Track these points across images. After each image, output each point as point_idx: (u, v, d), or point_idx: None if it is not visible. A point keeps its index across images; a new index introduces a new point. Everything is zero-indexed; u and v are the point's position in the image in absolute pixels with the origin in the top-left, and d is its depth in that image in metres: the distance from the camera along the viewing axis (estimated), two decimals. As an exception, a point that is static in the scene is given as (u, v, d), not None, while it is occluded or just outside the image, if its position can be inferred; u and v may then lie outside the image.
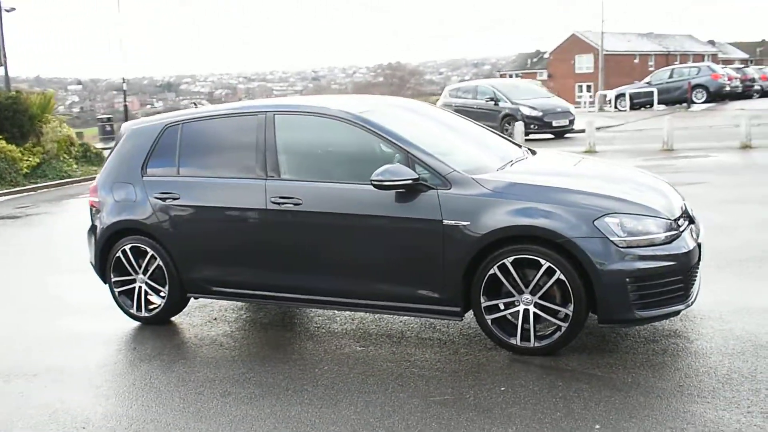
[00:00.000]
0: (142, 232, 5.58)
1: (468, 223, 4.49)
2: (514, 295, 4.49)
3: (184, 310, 5.82)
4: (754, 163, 12.57)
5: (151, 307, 5.68)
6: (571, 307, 4.35)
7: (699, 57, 78.64)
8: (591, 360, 4.40)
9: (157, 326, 5.63)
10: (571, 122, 20.24)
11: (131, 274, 5.68)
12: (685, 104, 27.54)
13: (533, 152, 5.74)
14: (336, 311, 5.61)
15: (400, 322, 5.35)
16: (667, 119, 15.36)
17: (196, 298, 5.77)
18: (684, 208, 4.89)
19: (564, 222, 4.33)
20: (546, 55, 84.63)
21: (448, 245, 4.55)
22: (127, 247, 5.63)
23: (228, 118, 5.52)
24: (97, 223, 5.83)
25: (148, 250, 5.54)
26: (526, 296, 4.45)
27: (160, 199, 5.46)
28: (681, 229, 4.53)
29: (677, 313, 4.43)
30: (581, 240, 4.27)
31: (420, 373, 4.37)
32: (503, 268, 4.46)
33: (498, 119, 19.64)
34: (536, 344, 4.48)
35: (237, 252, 5.24)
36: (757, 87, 31.67)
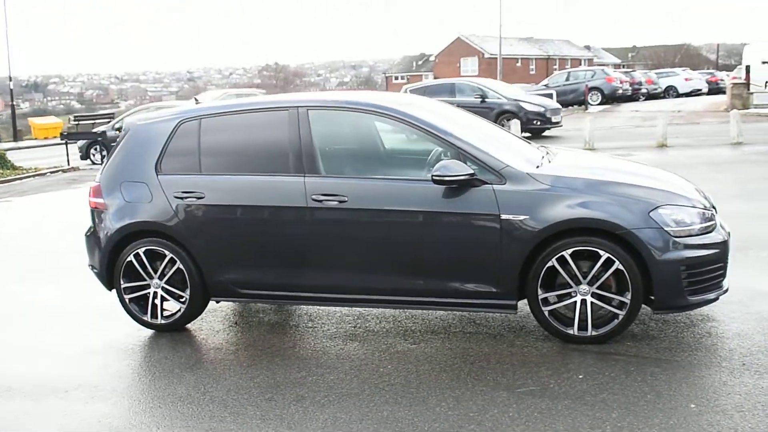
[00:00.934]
0: (160, 234, 5.26)
1: (526, 217, 4.55)
2: (571, 286, 4.59)
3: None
4: (677, 160, 13.43)
5: (168, 313, 5.37)
6: (629, 296, 4.50)
7: (576, 61, 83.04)
8: (646, 345, 4.57)
9: (173, 334, 5.32)
10: (561, 118, 20.46)
11: (144, 279, 5.35)
12: (582, 106, 29.05)
13: (547, 149, 5.89)
14: (364, 309, 5.53)
15: (436, 317, 5.34)
16: (589, 120, 16.13)
17: (217, 301, 5.52)
18: (707, 199, 5.18)
19: (622, 214, 4.48)
20: (432, 58, 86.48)
21: (506, 239, 4.59)
22: (141, 251, 5.29)
23: (254, 113, 5.30)
24: (102, 225, 5.44)
25: (166, 252, 5.23)
26: (584, 287, 4.57)
27: (181, 198, 5.17)
28: (715, 218, 4.80)
29: (718, 297, 4.68)
30: (640, 231, 4.43)
31: (489, 366, 4.38)
32: (562, 260, 4.55)
33: (492, 116, 18.77)
34: (593, 333, 4.60)
35: (271, 252, 5.05)
36: (643, 90, 33.91)
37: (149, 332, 5.40)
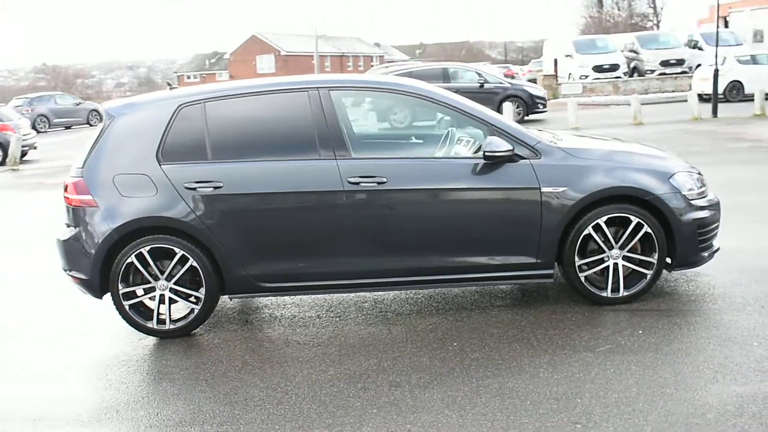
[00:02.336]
0: (169, 230, 4.77)
1: (565, 188, 4.77)
2: (604, 251, 4.89)
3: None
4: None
5: (179, 316, 4.89)
6: (655, 256, 4.89)
7: (368, 58, 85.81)
8: (662, 301, 4.99)
9: (184, 340, 4.85)
10: None
11: (148, 282, 4.82)
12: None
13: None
14: (377, 293, 5.44)
15: (449, 294, 5.38)
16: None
17: (231, 299, 5.12)
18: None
19: (649, 181, 4.85)
20: (226, 56, 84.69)
21: (546, 211, 4.77)
22: (144, 250, 4.75)
23: (266, 95, 4.97)
24: (91, 226, 4.79)
25: (176, 250, 4.75)
26: (615, 251, 4.88)
27: (194, 189, 4.73)
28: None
29: (717, 251, 5.22)
30: (666, 196, 4.83)
31: (549, 332, 4.53)
32: (597, 228, 4.83)
33: (496, 101, 18.43)
34: (624, 293, 4.93)
35: (302, 240, 4.80)
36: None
37: (151, 341, 4.87)
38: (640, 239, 4.88)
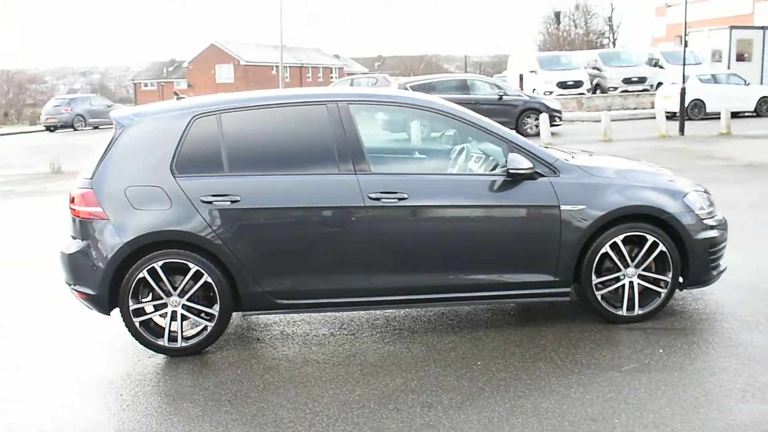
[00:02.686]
0: (184, 245, 4.63)
1: (584, 206, 4.78)
2: (620, 270, 4.91)
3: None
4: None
5: (190, 334, 4.75)
6: (669, 275, 4.94)
7: (328, 69, 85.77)
8: (673, 320, 5.04)
9: (196, 358, 4.71)
10: None
11: (160, 298, 4.67)
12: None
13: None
14: (383, 312, 5.37)
15: (471, 312, 5.35)
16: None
17: (243, 316, 4.99)
18: None
19: (665, 200, 4.91)
20: (185, 65, 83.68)
21: (565, 229, 4.78)
22: (157, 265, 4.60)
23: (283, 107, 4.89)
24: (100, 239, 4.63)
25: (190, 265, 4.61)
26: (631, 270, 4.92)
27: (210, 202, 4.60)
28: None
29: (724, 270, 5.29)
30: (680, 215, 4.89)
31: (571, 351, 4.53)
32: (614, 246, 4.86)
33: (515, 113, 18.51)
34: (639, 312, 4.96)
35: (321, 255, 4.70)
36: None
37: (157, 360, 4.72)
38: (654, 258, 4.93)
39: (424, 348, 4.71)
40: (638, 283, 4.94)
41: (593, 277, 4.87)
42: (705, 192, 5.25)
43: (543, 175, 4.79)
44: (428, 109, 4.95)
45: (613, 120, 18.86)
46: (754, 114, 23.12)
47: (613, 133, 17.79)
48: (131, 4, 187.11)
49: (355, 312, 5.36)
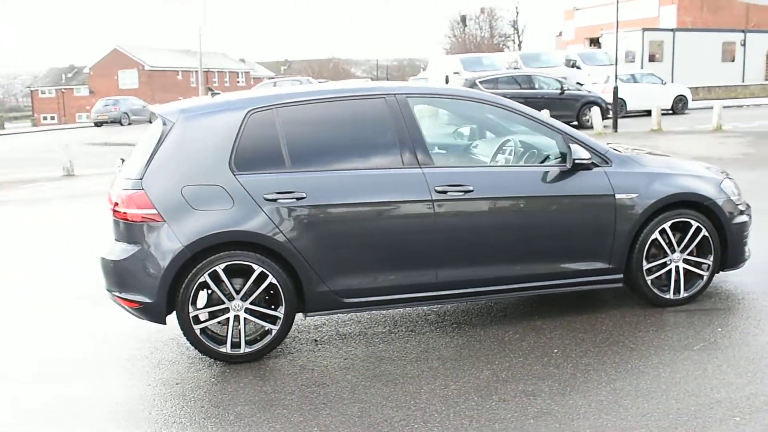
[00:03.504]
0: (248, 245, 4.45)
1: (636, 195, 4.92)
2: (667, 255, 5.08)
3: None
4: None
5: (253, 339, 4.56)
6: (711, 258, 5.15)
7: (234, 74, 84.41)
8: (722, 300, 5.25)
9: (256, 365, 4.52)
10: None
11: (221, 303, 4.46)
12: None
13: None
14: (441, 306, 5.34)
15: (520, 302, 5.39)
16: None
17: (306, 317, 4.83)
18: None
19: (707, 188, 5.12)
20: (86, 70, 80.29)
21: (620, 217, 4.90)
22: (219, 268, 4.40)
23: (341, 101, 4.78)
24: (157, 243, 4.37)
25: (254, 266, 4.43)
26: (677, 254, 5.09)
27: (274, 200, 4.44)
28: None
29: (750, 254, 5.55)
30: (720, 201, 5.11)
31: (636, 335, 4.64)
32: (662, 232, 5.02)
33: (576, 107, 19.80)
34: (684, 295, 5.14)
35: (388, 251, 4.63)
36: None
37: (216, 369, 4.51)
38: (697, 243, 5.12)
39: (492, 339, 4.71)
40: (683, 268, 5.12)
41: (644, 263, 5.01)
42: (731, 179, 5.51)
43: (597, 165, 4.90)
44: (491, 104, 5.00)
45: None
46: (671, 111, 24.42)
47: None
48: (21, 10, 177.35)
49: (404, 309, 5.29)
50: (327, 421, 3.70)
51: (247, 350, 4.51)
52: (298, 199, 4.46)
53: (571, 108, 20.05)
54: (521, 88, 19.84)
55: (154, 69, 75.57)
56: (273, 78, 60.73)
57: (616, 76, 20.01)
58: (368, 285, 4.63)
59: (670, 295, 5.12)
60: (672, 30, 30.28)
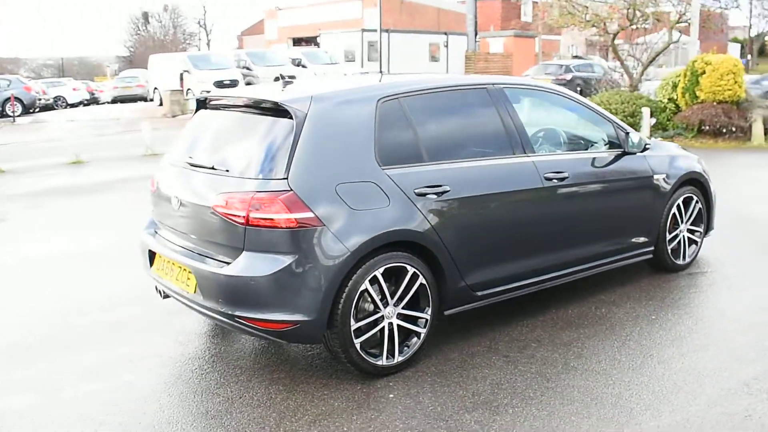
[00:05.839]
0: (403, 246, 4.10)
1: (665, 175, 5.60)
2: (678, 226, 5.84)
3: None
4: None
5: (408, 345, 4.20)
6: (703, 227, 6.05)
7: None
8: (711, 263, 6.19)
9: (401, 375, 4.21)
10: None
11: (377, 310, 4.06)
12: (9, 118, 25.69)
13: None
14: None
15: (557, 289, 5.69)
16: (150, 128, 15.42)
17: (443, 315, 4.52)
18: None
19: (698, 166, 5.99)
20: None
21: (656, 196, 5.54)
22: (378, 273, 4.00)
23: (453, 92, 4.64)
24: (319, 251, 3.80)
25: (408, 267, 4.12)
26: (683, 225, 5.89)
27: (423, 195, 4.16)
28: None
29: None
30: (706, 177, 6.03)
31: (680, 302, 5.25)
32: (678, 207, 5.76)
33: None
34: (688, 260, 5.96)
35: (512, 240, 4.64)
36: (62, 100, 32.87)
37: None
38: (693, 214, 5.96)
39: (570, 324, 4.99)
40: (687, 237, 5.94)
41: (667, 234, 5.72)
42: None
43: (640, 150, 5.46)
44: (565, 97, 5.31)
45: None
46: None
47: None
48: None
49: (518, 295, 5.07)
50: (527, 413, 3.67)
51: (400, 359, 4.16)
52: (444, 192, 4.24)
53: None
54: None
55: None
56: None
57: (380, 73, 21.04)
58: (495, 276, 4.58)
59: (681, 261, 5.90)
60: (387, 31, 32.62)
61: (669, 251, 5.78)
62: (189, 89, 27.12)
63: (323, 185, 3.89)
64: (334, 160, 3.97)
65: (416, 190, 4.13)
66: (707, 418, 3.57)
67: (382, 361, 4.08)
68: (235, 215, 3.83)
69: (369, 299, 4.02)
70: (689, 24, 16.54)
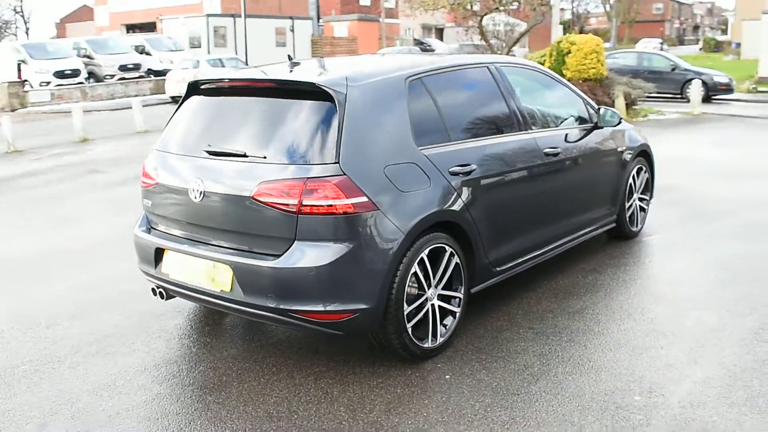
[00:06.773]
0: (443, 226, 4.06)
1: (625, 147, 5.95)
2: (633, 195, 6.23)
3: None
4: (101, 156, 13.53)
5: (445, 326, 4.17)
6: (649, 195, 6.50)
7: None
8: (662, 225, 6.66)
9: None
10: None
11: (421, 293, 3.99)
12: None
13: None
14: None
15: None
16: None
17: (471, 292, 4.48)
18: None
19: (644, 140, 6.39)
20: None
21: (621, 167, 5.88)
22: (425, 254, 3.94)
23: (463, 70, 4.68)
24: (375, 235, 3.67)
25: (446, 247, 4.09)
26: (636, 195, 6.29)
27: (456, 174, 4.15)
28: None
29: None
30: (650, 148, 6.48)
31: (649, 278, 5.70)
32: (633, 178, 6.15)
33: (680, 83, 20.94)
34: (640, 227, 6.39)
35: (525, 214, 4.78)
36: None
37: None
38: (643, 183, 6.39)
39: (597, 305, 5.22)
40: (639, 205, 6.36)
41: (626, 203, 6.08)
42: None
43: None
44: (544, 73, 5.44)
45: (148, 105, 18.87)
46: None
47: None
48: None
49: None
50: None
51: (441, 341, 4.13)
52: (471, 171, 4.24)
53: (677, 83, 21.71)
54: (638, 64, 22.55)
55: None
56: None
57: (247, 61, 20.42)
58: (511, 251, 4.67)
59: (635, 227, 6.31)
60: (233, 16, 31.54)
61: (627, 219, 6.16)
62: (26, 80, 24.86)
63: (373, 168, 3.75)
64: (379, 142, 3.85)
65: (450, 170, 4.10)
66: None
67: (428, 344, 4.03)
68: (284, 204, 3.60)
69: (415, 283, 3.95)
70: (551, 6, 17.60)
